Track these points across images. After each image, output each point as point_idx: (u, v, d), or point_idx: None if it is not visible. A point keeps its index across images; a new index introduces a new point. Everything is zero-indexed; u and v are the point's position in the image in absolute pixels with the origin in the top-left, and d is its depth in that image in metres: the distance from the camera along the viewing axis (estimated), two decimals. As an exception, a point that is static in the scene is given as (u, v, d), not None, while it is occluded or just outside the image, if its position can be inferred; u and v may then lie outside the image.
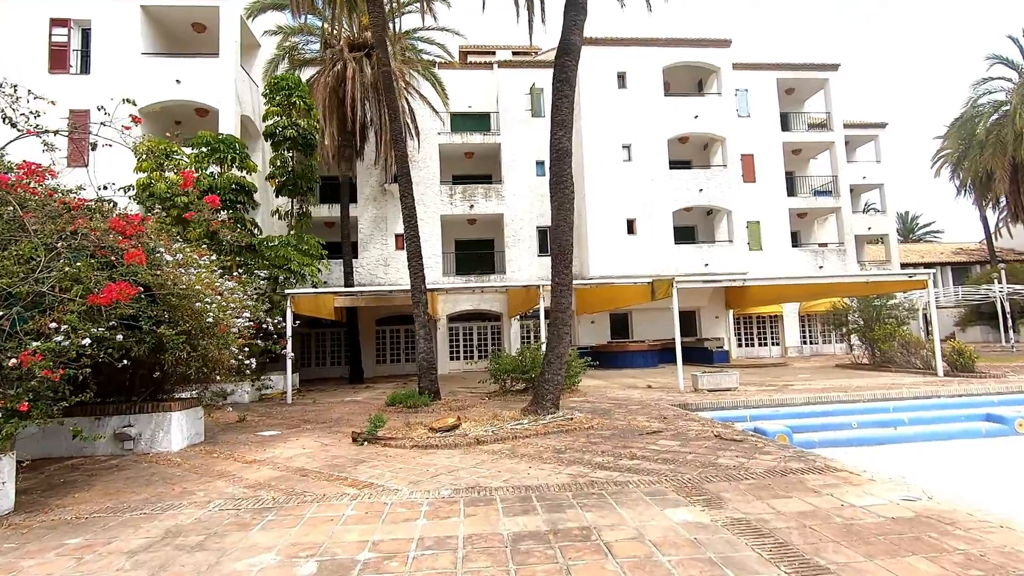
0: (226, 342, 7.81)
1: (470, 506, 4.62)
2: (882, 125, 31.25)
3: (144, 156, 14.55)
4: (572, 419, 8.45)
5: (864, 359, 17.39)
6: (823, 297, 18.15)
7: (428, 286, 18.03)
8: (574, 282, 17.90)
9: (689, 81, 25.03)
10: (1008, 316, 22.95)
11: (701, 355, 21.47)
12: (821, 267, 24.61)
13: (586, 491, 4.95)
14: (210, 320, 7.33)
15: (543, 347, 14.47)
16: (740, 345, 24.93)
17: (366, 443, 7.53)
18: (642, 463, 5.92)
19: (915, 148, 74.30)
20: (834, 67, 26.04)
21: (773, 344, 25.16)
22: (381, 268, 23.11)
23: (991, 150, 19.49)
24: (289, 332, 13.85)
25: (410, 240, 12.31)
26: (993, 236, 35.90)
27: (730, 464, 5.73)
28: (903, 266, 29.02)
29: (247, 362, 8.19)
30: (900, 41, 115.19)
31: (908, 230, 55.57)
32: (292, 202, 17.51)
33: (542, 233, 23.86)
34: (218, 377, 7.86)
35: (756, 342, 25.18)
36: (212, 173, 14.60)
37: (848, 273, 18.56)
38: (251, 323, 9.80)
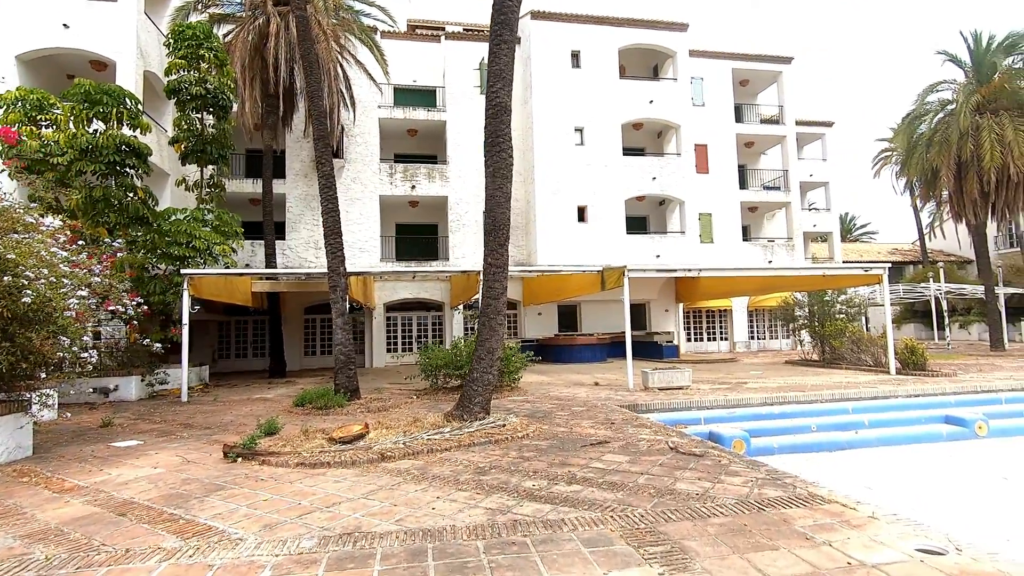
0: (59, 329, 6.02)
1: (333, 569, 3.20)
2: (829, 124, 31.51)
3: (10, 108, 12.26)
4: (504, 425, 7.12)
5: (813, 355, 16.97)
6: (776, 291, 17.63)
7: (363, 270, 16.38)
8: (520, 270, 16.61)
9: (644, 65, 24.12)
10: (945, 314, 23.33)
11: (650, 349, 20.69)
12: (770, 261, 24.33)
13: (505, 538, 3.62)
14: (27, 300, 5.54)
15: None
16: (689, 340, 24.41)
17: (240, 459, 5.95)
18: (583, 490, 4.65)
19: (851, 150, 77.20)
20: (787, 60, 25.77)
21: (722, 339, 24.77)
22: (312, 251, 21.11)
23: (937, 148, 19.45)
24: (186, 318, 11.91)
25: (327, 214, 10.64)
26: (927, 237, 37.18)
27: (692, 491, 4.53)
28: (845, 264, 29.30)
29: (84, 355, 6.40)
30: (836, 44, 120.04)
31: (846, 230, 57.45)
32: (201, 171, 15.35)
33: (489, 218, 22.40)
34: (43, 375, 6.05)
35: (705, 337, 24.72)
36: (95, 131, 12.36)
37: (802, 266, 18.15)
38: (128, 306, 7.97)
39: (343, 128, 21.28)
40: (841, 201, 29.18)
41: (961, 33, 20.48)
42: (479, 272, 13.52)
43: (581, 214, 21.38)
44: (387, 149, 23.20)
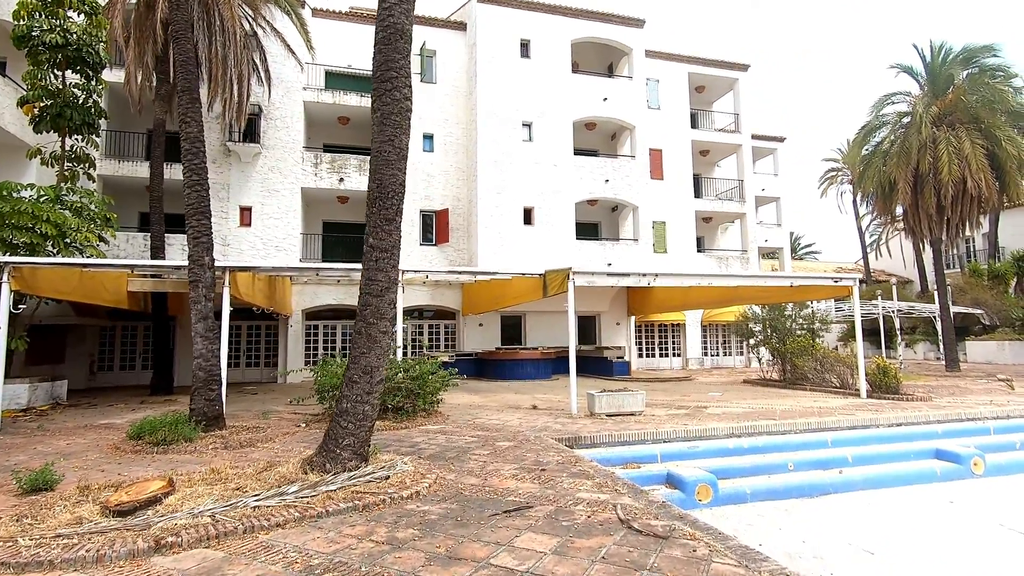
0: None
1: None
2: (781, 139, 31.17)
3: None
4: (388, 478, 4.98)
5: (773, 374, 15.60)
6: (736, 303, 16.26)
7: (252, 264, 13.86)
8: (447, 271, 14.48)
9: (599, 62, 22.71)
10: (898, 332, 22.77)
11: (600, 365, 18.95)
12: (725, 274, 23.16)
13: None
14: None
15: (398, 352, 10.96)
16: (641, 355, 22.86)
17: (-88, 551, 3.55)
18: (465, 629, 2.57)
19: (796, 169, 79.31)
20: (744, 67, 25.00)
21: (675, 355, 23.36)
22: (219, 248, 18.20)
23: (895, 160, 18.77)
24: (4, 319, 9.14)
25: (192, 188, 8.28)
26: (872, 256, 37.52)
27: (657, 632, 2.54)
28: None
29: None
30: (782, 62, 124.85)
31: (792, 248, 58.36)
32: (63, 142, 12.56)
33: (427, 218, 20.29)
34: None
35: (657, 352, 23.24)
36: None
37: (768, 273, 16.84)
38: None
39: (260, 109, 18.75)
40: (789, 218, 28.75)
41: (915, 46, 20.10)
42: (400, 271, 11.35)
43: (528, 216, 19.55)
44: (316, 137, 20.78)
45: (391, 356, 10.51)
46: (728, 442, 8.30)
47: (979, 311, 24.84)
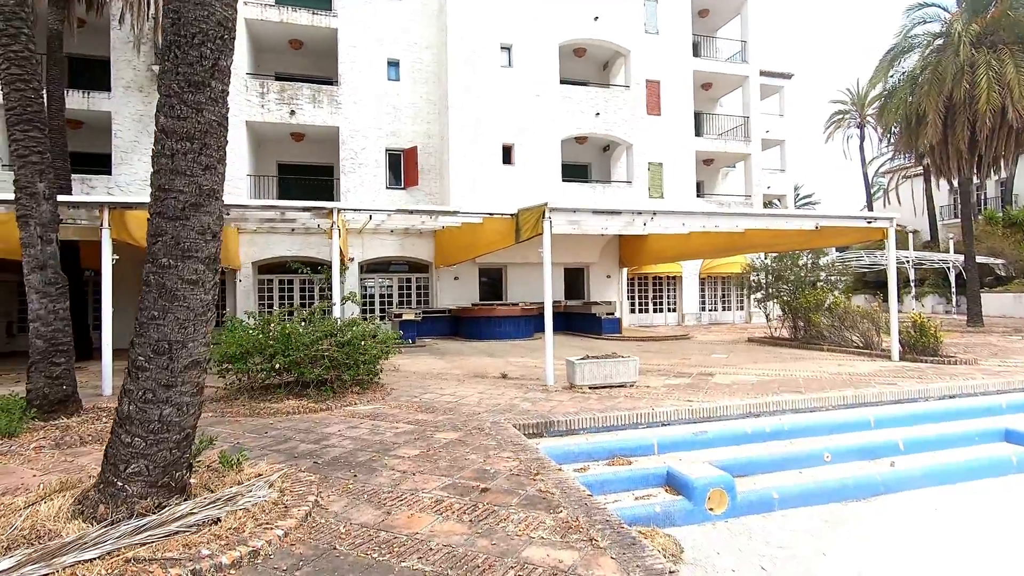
0: None
1: None
2: (788, 76, 28.58)
3: None
4: (218, 521, 3.00)
5: (783, 332, 13.77)
6: (743, 250, 14.26)
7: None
8: (406, 212, 11.98)
9: (590, -23, 19.77)
10: (912, 284, 20.97)
11: (588, 323, 17.03)
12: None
13: None
14: None
15: (334, 308, 8.92)
16: (633, 311, 20.98)
17: None
18: None
19: (798, 113, 75.87)
20: (754, -15, 22.10)
21: (670, 310, 21.49)
22: (146, 190, 15.86)
23: (926, 88, 16.41)
24: None
25: (12, 85, 5.91)
26: (879, 204, 35.43)
27: None
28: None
29: None
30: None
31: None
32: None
33: (393, 157, 17.86)
34: None
35: (651, 307, 21.35)
36: None
37: (787, 212, 14.43)
38: None
39: (192, 26, 15.93)
40: (793, 165, 26.50)
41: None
42: (343, 212, 9.18)
43: (507, 155, 17.18)
44: (265, 64, 18.09)
45: (331, 316, 8.46)
46: (744, 424, 6.42)
47: (998, 261, 23.04)
